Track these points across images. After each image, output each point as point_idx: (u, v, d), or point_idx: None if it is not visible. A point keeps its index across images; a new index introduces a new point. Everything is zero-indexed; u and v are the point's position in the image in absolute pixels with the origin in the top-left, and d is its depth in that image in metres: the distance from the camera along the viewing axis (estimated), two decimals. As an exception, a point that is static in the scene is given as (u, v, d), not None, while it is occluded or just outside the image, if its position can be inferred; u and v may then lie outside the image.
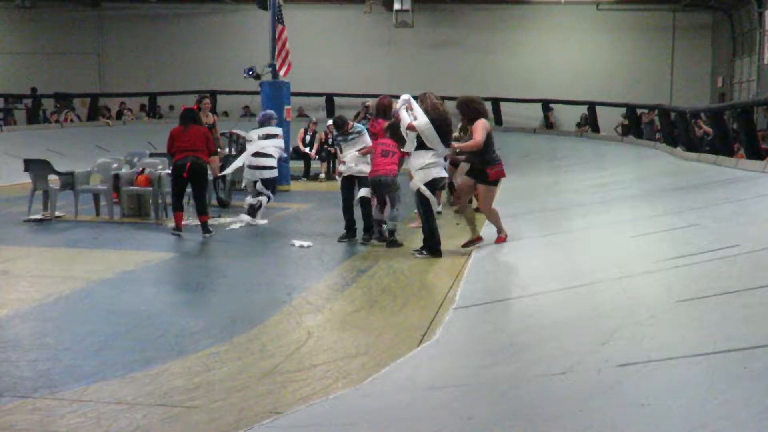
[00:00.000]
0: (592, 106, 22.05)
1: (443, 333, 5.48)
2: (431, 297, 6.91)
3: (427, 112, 8.61)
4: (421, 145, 8.64)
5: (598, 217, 9.77)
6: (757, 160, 10.56)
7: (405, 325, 5.99)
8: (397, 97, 9.28)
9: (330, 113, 23.02)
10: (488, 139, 8.66)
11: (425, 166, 8.66)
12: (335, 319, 6.28)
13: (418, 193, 8.76)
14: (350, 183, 9.82)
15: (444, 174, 9.08)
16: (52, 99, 23.38)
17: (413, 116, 8.60)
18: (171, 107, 25.25)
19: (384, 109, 10.13)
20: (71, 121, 22.63)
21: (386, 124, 9.61)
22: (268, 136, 11.66)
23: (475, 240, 8.93)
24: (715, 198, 8.87)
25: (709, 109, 15.72)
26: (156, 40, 26.15)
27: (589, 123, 22.29)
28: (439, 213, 10.66)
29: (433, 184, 8.83)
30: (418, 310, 6.43)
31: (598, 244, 8.08)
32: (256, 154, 11.45)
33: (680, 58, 24.97)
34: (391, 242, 9.43)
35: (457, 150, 9.24)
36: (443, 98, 9.37)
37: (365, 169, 9.71)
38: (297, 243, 9.55)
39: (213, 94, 23.99)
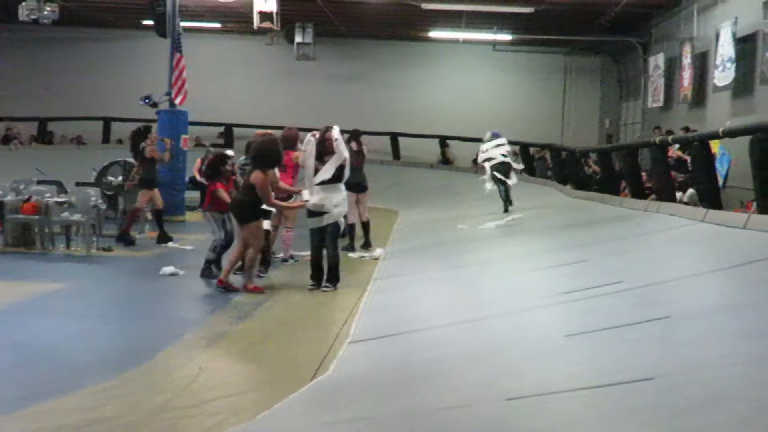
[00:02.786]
0: (487, 143, 22.60)
1: (337, 367, 5.46)
2: (327, 331, 6.88)
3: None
4: (337, 179, 8.75)
5: (493, 252, 9.98)
6: (641, 200, 11.05)
7: (299, 359, 5.94)
8: (306, 130, 9.40)
9: (229, 144, 22.82)
10: None
11: (343, 200, 8.89)
12: (229, 354, 6.18)
13: (334, 225, 8.79)
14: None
15: None
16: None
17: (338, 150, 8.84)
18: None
19: (293, 141, 10.11)
20: (-46, 145, 21.66)
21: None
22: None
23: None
24: (603, 235, 9.21)
25: (598, 150, 16.37)
26: (50, 64, 25.27)
27: (486, 160, 22.79)
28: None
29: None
30: (314, 344, 6.39)
31: (493, 279, 8.24)
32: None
33: (571, 99, 25.94)
34: None
35: None
36: (343, 131, 9.49)
37: None
38: (168, 270, 9.44)
39: (107, 121, 23.48)
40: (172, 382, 5.35)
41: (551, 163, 19.32)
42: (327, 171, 8.79)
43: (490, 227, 12.02)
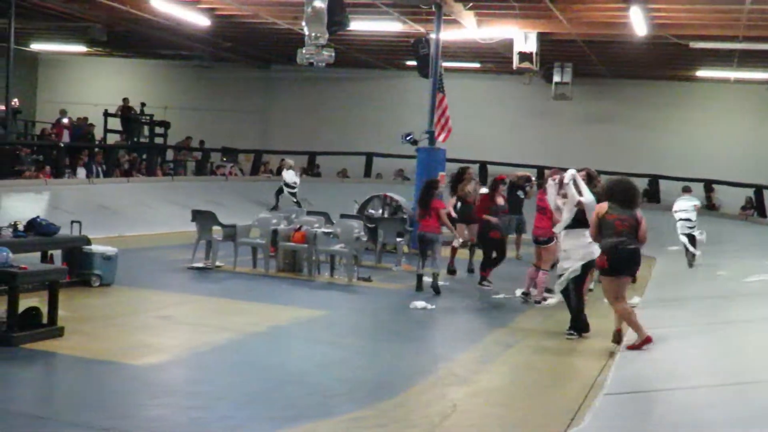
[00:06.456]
0: (759, 189, 21.00)
1: (592, 420, 5.28)
2: (580, 379, 6.69)
3: (595, 190, 8.57)
4: (579, 223, 8.46)
5: (763, 310, 9.21)
6: None
7: (552, 406, 5.84)
8: (563, 169, 9.26)
9: (483, 181, 23.06)
10: (600, 224, 7.66)
11: (587, 245, 8.36)
12: (481, 394, 6.19)
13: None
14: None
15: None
16: (219, 152, 24.69)
17: (579, 192, 8.51)
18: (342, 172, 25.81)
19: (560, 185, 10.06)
20: (234, 175, 23.79)
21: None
22: None
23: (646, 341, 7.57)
24: None
25: None
26: (318, 102, 27.14)
27: (755, 207, 21.21)
28: (590, 290, 10.42)
29: (590, 264, 8.59)
30: (566, 392, 6.25)
31: (763, 340, 7.60)
32: None
33: None
34: None
35: None
36: (599, 172, 9.33)
37: None
38: (419, 304, 9.70)
39: (370, 156, 24.66)
40: (425, 418, 5.46)
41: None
42: (565, 218, 8.60)
43: (758, 280, 11.11)
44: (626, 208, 7.55)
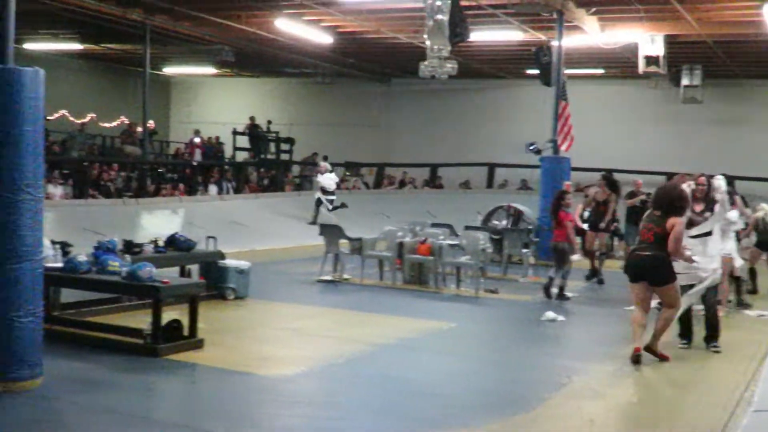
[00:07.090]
0: None
1: (741, 438, 5.05)
2: (724, 394, 6.39)
3: None
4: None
5: None
6: None
7: (695, 423, 5.61)
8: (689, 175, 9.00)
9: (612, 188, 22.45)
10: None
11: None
12: (618, 409, 6.02)
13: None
14: None
15: None
16: (343, 167, 25.13)
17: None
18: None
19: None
20: (358, 188, 24.14)
21: None
22: None
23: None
24: None
25: None
26: (439, 114, 27.14)
27: None
28: (729, 301, 10.00)
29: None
30: (710, 408, 5.98)
31: None
32: None
33: None
34: None
35: None
36: (732, 178, 8.99)
37: None
38: (550, 316, 9.57)
39: (492, 167, 24.51)
40: (561, 433, 5.36)
41: None
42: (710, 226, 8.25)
43: None
44: (664, 216, 7.41)
